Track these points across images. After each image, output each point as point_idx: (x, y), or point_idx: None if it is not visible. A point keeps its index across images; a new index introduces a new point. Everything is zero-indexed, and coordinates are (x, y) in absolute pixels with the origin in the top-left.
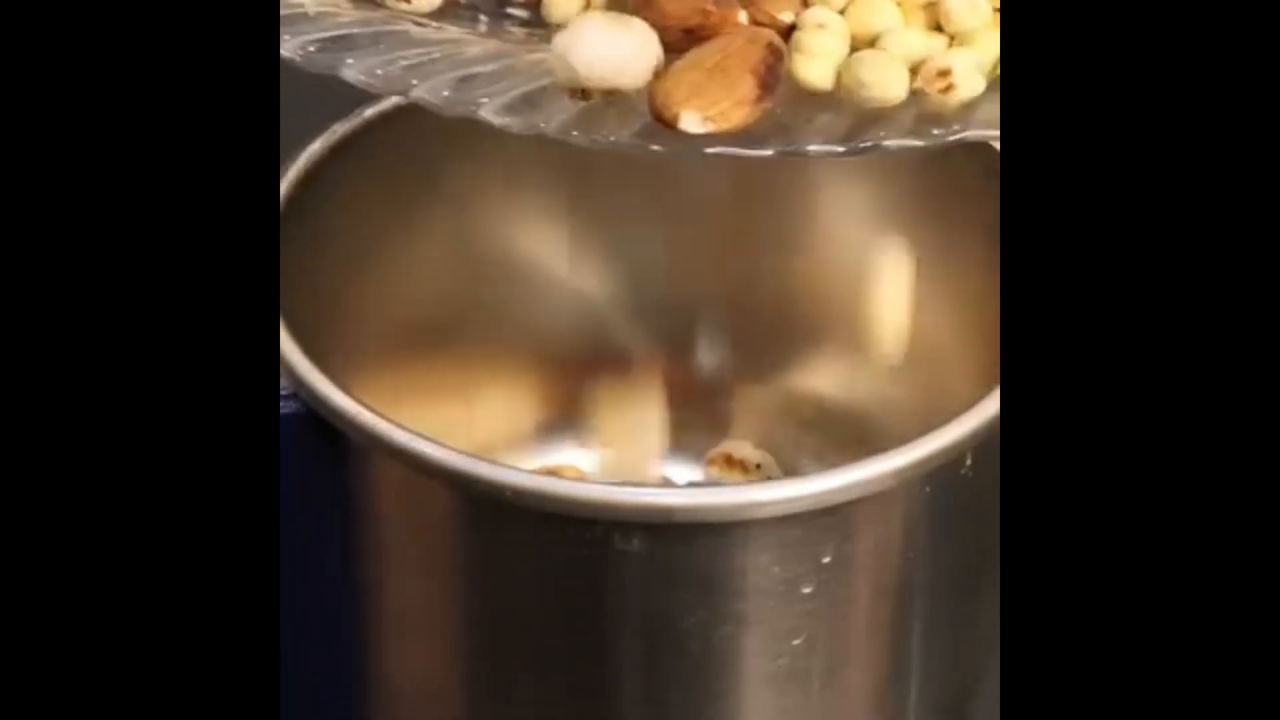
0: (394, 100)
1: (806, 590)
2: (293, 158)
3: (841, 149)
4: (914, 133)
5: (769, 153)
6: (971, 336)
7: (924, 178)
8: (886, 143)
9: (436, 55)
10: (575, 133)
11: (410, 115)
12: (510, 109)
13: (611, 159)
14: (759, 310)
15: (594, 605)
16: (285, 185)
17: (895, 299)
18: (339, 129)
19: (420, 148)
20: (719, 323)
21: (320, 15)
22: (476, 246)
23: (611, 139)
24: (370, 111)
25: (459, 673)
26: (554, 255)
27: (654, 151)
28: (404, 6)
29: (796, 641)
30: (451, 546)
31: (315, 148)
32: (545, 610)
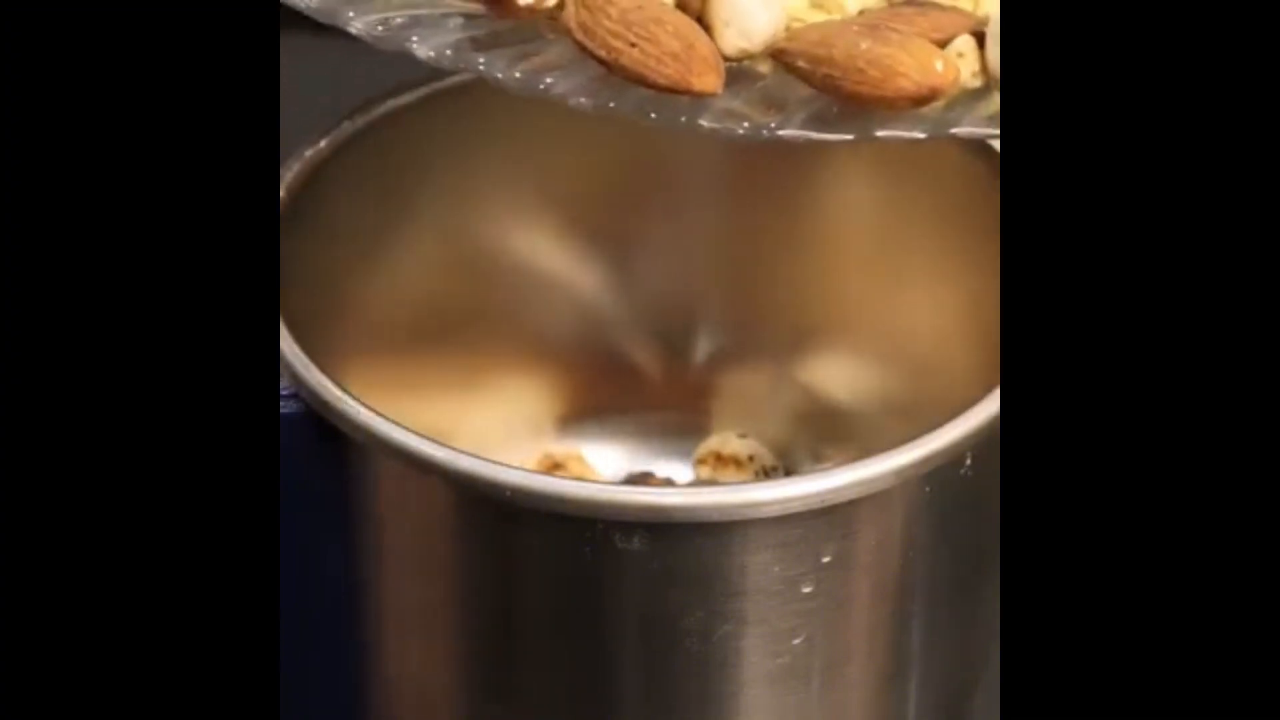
0: (394, 100)
1: (806, 590)
2: (293, 158)
3: (851, 136)
4: (907, 125)
5: (740, 131)
6: (971, 336)
7: (924, 177)
8: (879, 133)
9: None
10: (583, 99)
11: (410, 115)
12: (517, 72)
13: (611, 159)
14: (758, 310)
15: (594, 605)
16: (285, 185)
17: (895, 298)
18: (339, 129)
19: (420, 147)
20: (718, 322)
21: None
22: (476, 246)
23: (611, 105)
24: (370, 112)
25: (459, 673)
26: (553, 254)
27: (651, 120)
28: None
29: (796, 641)
30: (451, 546)
31: (315, 148)
32: (545, 610)
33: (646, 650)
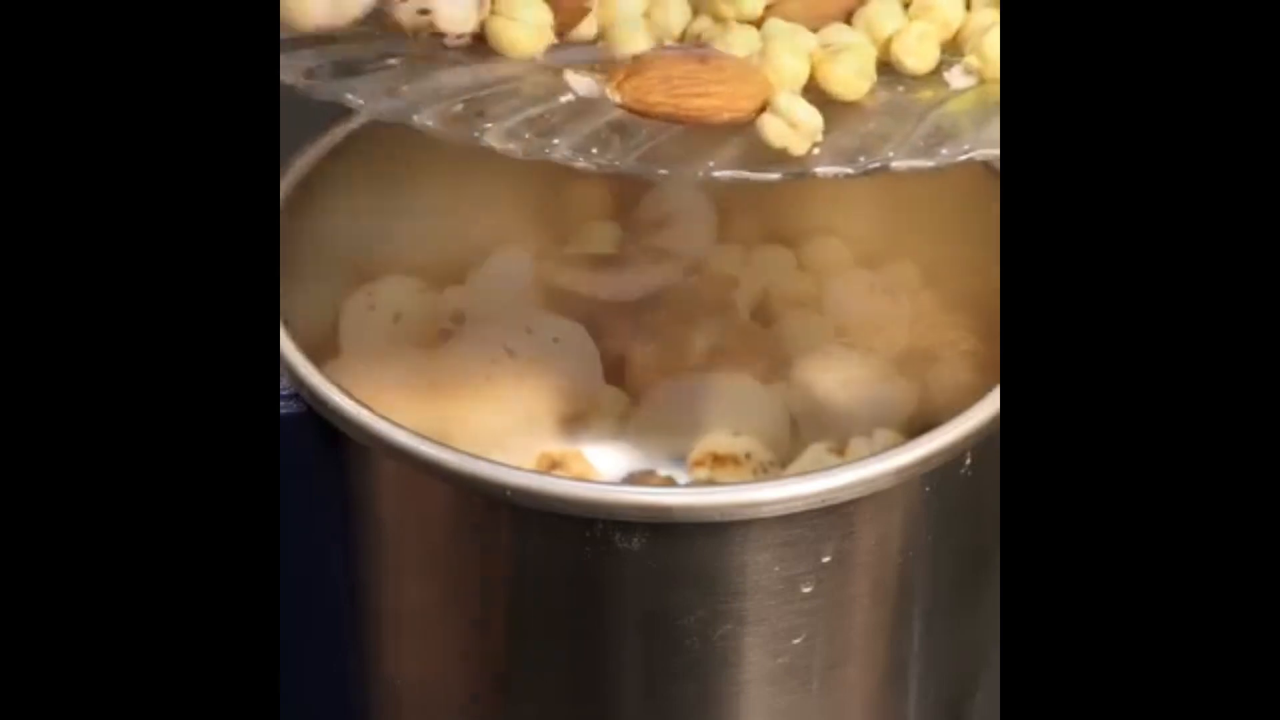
0: None
1: (806, 589)
2: (293, 159)
3: (850, 170)
4: (923, 152)
5: (775, 176)
6: (971, 336)
7: (925, 178)
8: (895, 164)
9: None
10: (582, 159)
11: None
12: (513, 134)
13: None
14: (756, 310)
15: (594, 605)
16: (285, 185)
17: (895, 298)
18: (339, 130)
19: (419, 147)
20: (716, 322)
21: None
22: (476, 245)
23: (616, 163)
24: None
25: (459, 673)
26: (551, 253)
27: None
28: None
29: (796, 640)
30: (451, 546)
31: (315, 149)
32: (545, 609)
33: (646, 650)
